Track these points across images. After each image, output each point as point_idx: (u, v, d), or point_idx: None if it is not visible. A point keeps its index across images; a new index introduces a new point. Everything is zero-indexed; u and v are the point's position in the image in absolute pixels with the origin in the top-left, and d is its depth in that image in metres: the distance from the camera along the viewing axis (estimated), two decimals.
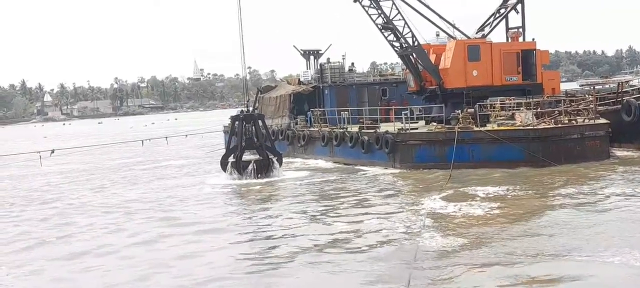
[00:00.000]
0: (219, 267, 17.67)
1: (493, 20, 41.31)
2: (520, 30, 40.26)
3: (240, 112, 38.48)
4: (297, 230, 21.75)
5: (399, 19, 37.52)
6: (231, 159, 35.75)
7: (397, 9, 37.36)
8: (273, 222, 23.71)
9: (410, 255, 16.99)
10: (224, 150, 37.83)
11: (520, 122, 33.67)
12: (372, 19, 37.75)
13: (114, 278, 17.14)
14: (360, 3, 37.50)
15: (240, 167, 35.38)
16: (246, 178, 34.94)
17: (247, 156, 36.03)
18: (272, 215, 25.04)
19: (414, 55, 38.66)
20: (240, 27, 38.37)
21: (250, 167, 35.43)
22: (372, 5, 37.27)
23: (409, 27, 37.65)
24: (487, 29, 41.35)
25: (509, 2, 40.75)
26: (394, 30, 37.67)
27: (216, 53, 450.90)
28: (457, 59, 37.83)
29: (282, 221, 23.60)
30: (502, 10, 41.03)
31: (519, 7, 40.38)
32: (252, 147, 36.41)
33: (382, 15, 37.40)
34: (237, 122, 37.05)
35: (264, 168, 35.63)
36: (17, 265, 19.25)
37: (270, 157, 35.98)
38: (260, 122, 36.75)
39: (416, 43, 38.08)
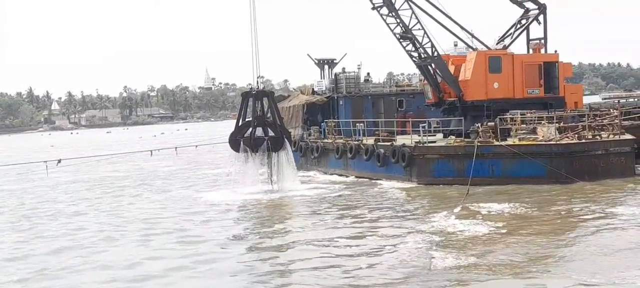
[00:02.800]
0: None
1: (514, 31, 41.22)
2: (542, 41, 40.09)
3: (251, 89, 38.25)
4: (308, 247, 21.72)
5: (418, 29, 37.50)
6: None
7: (416, 17, 37.35)
8: (286, 237, 23.73)
9: (423, 273, 17.05)
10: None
11: (543, 136, 33.43)
12: (390, 28, 37.74)
13: None
14: (378, 11, 37.50)
15: (252, 145, 35.56)
16: (258, 157, 35.47)
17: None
18: (286, 230, 25.09)
19: (433, 66, 38.57)
20: (254, 26, 37.92)
21: (263, 144, 35.69)
22: (390, 14, 37.25)
23: (428, 36, 37.62)
24: (507, 40, 41.29)
25: (530, 13, 40.64)
26: (412, 39, 37.62)
27: (228, 61, 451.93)
28: (478, 70, 37.76)
29: (295, 237, 23.65)
30: (523, 21, 40.89)
31: (540, 17, 40.26)
32: (264, 124, 36.41)
33: (400, 24, 37.36)
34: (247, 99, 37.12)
35: (278, 145, 36.01)
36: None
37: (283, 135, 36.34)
38: (271, 99, 36.91)
39: (436, 53, 38.01)
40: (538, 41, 40.35)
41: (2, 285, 18.93)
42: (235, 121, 38.03)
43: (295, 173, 37.38)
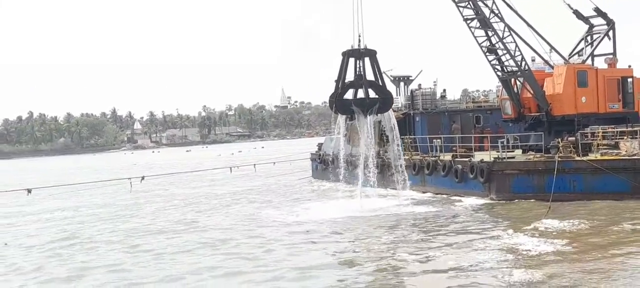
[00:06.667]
0: None
1: (585, 46, 40.76)
2: (614, 57, 39.74)
3: (351, 46, 36.43)
4: (381, 262, 21.82)
5: (511, 41, 37.32)
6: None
7: (510, 29, 37.21)
8: (361, 250, 23.94)
9: None
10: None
11: (626, 151, 32.68)
12: (477, 41, 37.57)
13: None
14: (468, 24, 37.38)
15: (365, 105, 35.46)
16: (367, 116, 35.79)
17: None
18: (354, 240, 25.26)
19: (521, 80, 38.29)
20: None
21: (376, 106, 35.61)
22: (480, 27, 37.11)
23: (519, 49, 37.40)
24: (579, 56, 40.91)
25: (594, 28, 40.44)
26: (498, 53, 37.38)
27: (303, 80, 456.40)
28: (568, 84, 37.45)
29: (367, 252, 23.81)
30: (592, 37, 40.60)
31: (610, 33, 40.05)
32: (361, 85, 35.78)
33: (494, 35, 37.09)
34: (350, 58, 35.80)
35: (387, 106, 36.38)
36: None
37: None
38: (374, 59, 35.90)
39: (526, 66, 37.79)
40: (611, 56, 39.90)
41: None
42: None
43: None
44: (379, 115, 38.31)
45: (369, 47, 35.84)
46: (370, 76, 35.69)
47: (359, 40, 35.61)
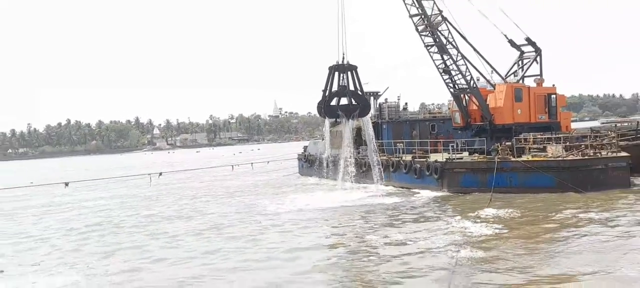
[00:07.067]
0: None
1: (518, 68, 41.34)
2: (541, 78, 40.39)
3: (336, 62, 36.50)
4: (355, 243, 21.94)
5: (462, 64, 37.61)
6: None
7: (460, 54, 37.50)
8: (340, 234, 24.00)
9: (450, 266, 17.02)
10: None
11: (552, 154, 33.02)
12: (435, 63, 37.75)
13: None
14: (428, 50, 37.60)
15: (347, 110, 35.88)
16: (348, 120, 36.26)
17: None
18: (337, 225, 25.28)
19: (469, 95, 38.57)
20: (341, 11, 36.17)
21: (357, 111, 36.08)
22: (437, 52, 37.38)
23: (469, 70, 37.70)
24: (514, 76, 41.37)
25: (525, 55, 41.10)
26: (451, 73, 37.65)
27: (291, 93, 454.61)
28: (507, 99, 38.00)
29: (345, 235, 23.87)
30: (526, 60, 41.22)
31: (538, 58, 41.07)
32: (345, 94, 35.93)
33: (449, 59, 37.32)
34: (336, 72, 35.92)
35: (366, 111, 36.97)
36: None
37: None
38: (354, 73, 35.97)
39: (474, 85, 38.14)
40: (538, 77, 40.59)
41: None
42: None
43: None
44: (358, 120, 38.69)
45: (350, 63, 36.10)
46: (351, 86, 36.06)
47: (343, 57, 35.85)
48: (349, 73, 35.92)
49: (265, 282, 16.75)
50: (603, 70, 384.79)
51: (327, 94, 35.89)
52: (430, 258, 18.40)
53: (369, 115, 40.18)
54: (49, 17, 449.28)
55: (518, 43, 41.35)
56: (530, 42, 40.82)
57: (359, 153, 46.88)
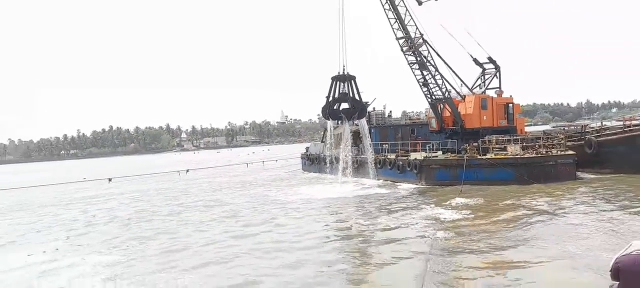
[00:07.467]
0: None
1: (481, 82, 41.51)
2: (500, 90, 40.53)
3: (337, 72, 36.68)
4: (350, 227, 21.95)
5: (439, 78, 37.75)
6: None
7: (438, 72, 37.66)
8: (338, 220, 23.92)
9: (426, 246, 17.01)
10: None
11: (511, 152, 33.13)
12: (416, 78, 37.89)
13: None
14: (411, 67, 37.72)
15: (348, 113, 36.02)
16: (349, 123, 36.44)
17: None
18: (338, 217, 25.25)
19: (443, 104, 38.66)
20: (342, 25, 36.36)
21: (356, 113, 36.09)
22: (418, 69, 37.51)
23: (445, 84, 37.84)
24: (480, 88, 41.51)
25: (487, 71, 41.29)
26: (429, 86, 37.76)
27: (296, 102, 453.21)
28: (475, 107, 38.15)
29: (342, 221, 23.88)
30: (487, 76, 41.38)
31: (498, 73, 41.30)
32: (345, 99, 35.83)
33: (428, 74, 37.44)
34: (337, 81, 36.09)
35: (363, 114, 36.98)
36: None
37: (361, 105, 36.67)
38: (353, 82, 35.96)
39: (449, 95, 38.28)
40: (498, 89, 40.73)
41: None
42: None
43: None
44: (356, 123, 38.90)
45: (350, 73, 36.30)
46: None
47: (344, 68, 36.11)
48: (349, 82, 36.12)
49: (279, 258, 16.81)
50: (553, 82, 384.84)
51: (330, 99, 36.02)
52: (411, 238, 18.45)
53: (365, 118, 40.35)
54: (93, 34, 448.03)
55: (481, 61, 41.52)
56: (491, 60, 41.05)
57: (358, 152, 46.85)
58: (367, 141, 39.36)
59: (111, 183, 54.37)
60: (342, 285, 13.57)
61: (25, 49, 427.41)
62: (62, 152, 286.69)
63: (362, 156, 43.88)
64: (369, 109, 52.41)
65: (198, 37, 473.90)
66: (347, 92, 35.97)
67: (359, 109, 35.95)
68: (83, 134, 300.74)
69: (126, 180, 58.99)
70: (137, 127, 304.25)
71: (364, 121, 38.77)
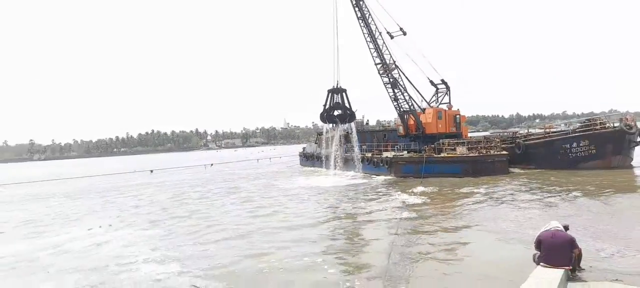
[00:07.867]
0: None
1: (436, 99, 41.53)
2: (451, 104, 40.54)
3: (332, 86, 36.63)
4: (338, 209, 21.94)
5: (407, 94, 37.80)
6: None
7: (406, 91, 37.64)
8: (329, 204, 23.78)
9: (394, 223, 17.04)
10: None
11: (459, 152, 33.32)
12: (388, 94, 37.88)
13: None
14: (385, 86, 37.69)
15: (341, 117, 36.40)
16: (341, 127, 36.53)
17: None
18: (329, 202, 25.10)
19: (408, 114, 38.71)
20: (336, 41, 36.37)
21: (347, 118, 36.48)
22: (391, 87, 37.48)
23: (410, 100, 37.82)
24: (436, 103, 41.51)
25: (439, 89, 41.21)
26: (399, 100, 37.76)
27: (297, 108, 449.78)
28: (433, 118, 38.18)
29: (332, 205, 23.72)
30: (440, 93, 41.31)
31: (448, 92, 41.01)
32: (339, 107, 36.33)
33: (398, 91, 37.43)
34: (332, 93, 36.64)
35: (353, 118, 37.02)
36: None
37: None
38: (345, 93, 36.35)
39: (414, 107, 38.33)
40: (449, 103, 40.77)
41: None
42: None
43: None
44: (347, 126, 39.01)
45: (342, 86, 36.46)
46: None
47: (337, 83, 36.44)
48: (341, 94, 36.57)
49: (283, 233, 16.83)
50: (492, 97, 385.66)
51: (327, 106, 36.40)
52: (383, 216, 18.56)
53: (354, 122, 40.56)
54: (137, 56, 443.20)
55: (436, 82, 41.50)
56: (443, 82, 40.97)
57: (346, 151, 46.77)
58: (355, 141, 39.45)
59: (153, 174, 53.94)
60: (331, 259, 13.46)
61: (84, 66, 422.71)
62: (115, 149, 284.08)
63: (347, 154, 43.99)
64: None
65: (221, 60, 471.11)
66: (340, 101, 36.32)
67: (349, 114, 36.22)
68: (131, 135, 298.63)
69: (165, 172, 58.63)
70: (173, 130, 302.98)
71: (353, 125, 38.89)
